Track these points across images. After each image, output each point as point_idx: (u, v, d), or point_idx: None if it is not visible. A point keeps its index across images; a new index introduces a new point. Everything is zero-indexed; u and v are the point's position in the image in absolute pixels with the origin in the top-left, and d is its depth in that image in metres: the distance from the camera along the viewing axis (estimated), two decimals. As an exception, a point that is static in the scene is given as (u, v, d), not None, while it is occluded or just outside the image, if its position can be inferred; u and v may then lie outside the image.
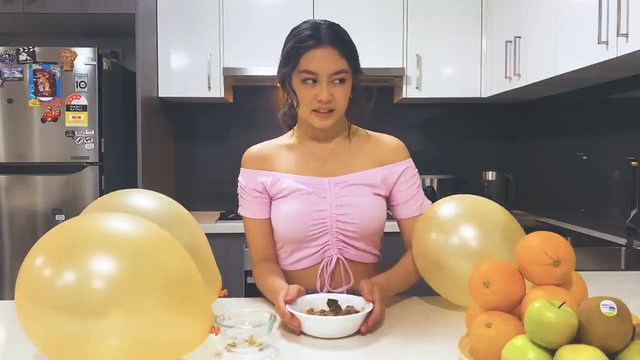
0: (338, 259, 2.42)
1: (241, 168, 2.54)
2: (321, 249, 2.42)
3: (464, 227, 2.18)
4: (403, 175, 2.51)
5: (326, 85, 2.30)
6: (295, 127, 2.57)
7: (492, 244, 2.14)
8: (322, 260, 2.43)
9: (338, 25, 2.40)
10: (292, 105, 2.49)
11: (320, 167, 2.47)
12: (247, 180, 2.50)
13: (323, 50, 2.30)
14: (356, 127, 2.59)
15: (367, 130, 2.60)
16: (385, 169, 2.49)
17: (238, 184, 2.55)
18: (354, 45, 2.41)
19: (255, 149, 2.55)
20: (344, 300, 2.08)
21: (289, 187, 2.42)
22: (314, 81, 2.31)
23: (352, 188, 2.43)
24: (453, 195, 2.41)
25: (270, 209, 2.49)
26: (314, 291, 2.38)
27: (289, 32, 2.44)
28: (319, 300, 2.09)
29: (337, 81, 2.32)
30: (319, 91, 2.30)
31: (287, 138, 2.57)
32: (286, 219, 2.42)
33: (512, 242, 2.06)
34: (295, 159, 2.49)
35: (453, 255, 2.16)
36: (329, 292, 2.36)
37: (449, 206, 2.30)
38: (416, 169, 2.56)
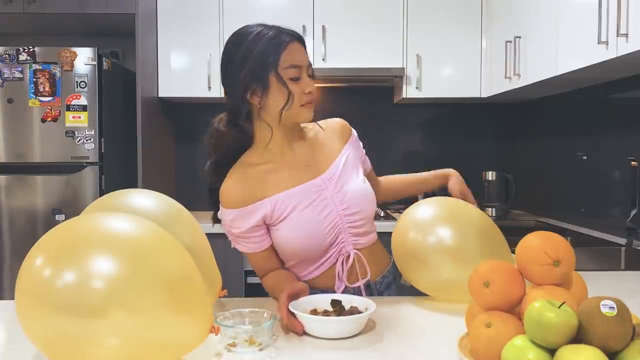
0: (355, 255, 2.42)
1: (225, 210, 2.36)
2: (337, 248, 2.41)
3: (440, 226, 2.32)
4: (358, 141, 2.64)
5: (307, 78, 2.32)
6: (252, 151, 2.43)
7: (466, 240, 2.27)
8: (337, 260, 2.42)
9: None
10: (244, 117, 2.37)
11: (307, 171, 2.42)
12: (240, 221, 2.34)
13: (296, 44, 2.31)
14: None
15: (303, 125, 2.56)
16: (350, 144, 2.57)
17: (224, 225, 2.42)
18: None
19: (233, 186, 2.36)
20: (348, 300, 2.08)
21: (289, 205, 2.33)
22: (298, 76, 2.28)
23: (342, 175, 2.44)
24: (429, 198, 2.53)
25: (269, 236, 2.40)
26: (324, 291, 2.38)
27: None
28: (323, 300, 2.09)
29: (310, 75, 2.34)
30: (305, 84, 2.29)
31: (254, 160, 2.40)
32: (300, 237, 2.34)
33: (487, 238, 2.32)
34: (279, 175, 2.38)
35: (431, 252, 2.28)
36: (345, 288, 2.40)
37: (426, 207, 2.45)
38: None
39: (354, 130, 2.63)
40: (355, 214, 2.40)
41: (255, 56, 2.25)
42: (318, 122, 2.57)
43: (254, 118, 2.37)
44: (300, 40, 2.34)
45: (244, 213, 2.33)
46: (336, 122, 2.61)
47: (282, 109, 2.27)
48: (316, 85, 2.36)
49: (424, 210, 2.42)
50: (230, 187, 2.36)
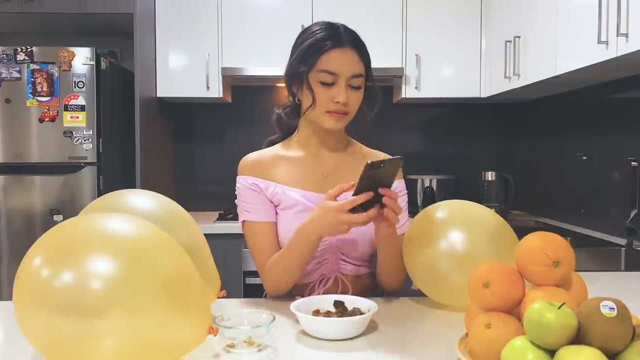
0: (336, 277, 2.43)
1: (239, 176, 2.47)
2: (319, 266, 2.42)
3: (452, 232, 2.22)
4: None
5: (344, 87, 2.30)
6: (293, 137, 2.54)
7: (479, 246, 2.18)
8: (318, 279, 2.44)
9: (352, 29, 2.40)
10: (294, 108, 2.49)
11: (322, 181, 2.43)
12: (250, 184, 2.42)
13: (344, 52, 2.31)
14: (352, 140, 2.61)
15: (362, 145, 2.62)
16: None
17: (237, 192, 2.47)
18: (367, 50, 2.40)
19: (252, 157, 2.48)
20: (351, 301, 2.07)
21: (288, 200, 2.38)
22: (332, 83, 2.30)
23: None
24: (443, 201, 2.42)
25: (273, 213, 2.43)
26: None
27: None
28: (325, 301, 2.09)
29: (353, 86, 2.33)
30: (337, 92, 2.30)
31: (285, 149, 2.52)
32: (284, 235, 2.38)
33: (500, 243, 2.20)
34: (296, 172, 2.45)
35: (442, 258, 2.20)
36: None
37: (440, 211, 2.33)
38: (406, 190, 2.58)
39: (401, 183, 2.54)
40: (348, 243, 2.40)
41: (298, 53, 2.36)
42: (377, 151, 2.60)
43: (300, 110, 2.46)
44: (355, 47, 2.34)
45: (248, 180, 2.42)
46: None
47: (306, 110, 2.37)
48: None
49: (436, 213, 2.33)
50: (248, 156, 2.50)
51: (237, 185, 2.47)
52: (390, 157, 2.12)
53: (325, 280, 2.42)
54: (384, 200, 2.07)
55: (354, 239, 2.38)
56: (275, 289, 2.39)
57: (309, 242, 2.22)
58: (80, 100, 4.79)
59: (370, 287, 2.53)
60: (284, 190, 2.39)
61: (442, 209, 2.34)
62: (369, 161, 1.97)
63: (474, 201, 2.40)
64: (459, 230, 2.21)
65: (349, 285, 2.42)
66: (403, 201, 2.48)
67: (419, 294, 2.37)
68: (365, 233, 2.35)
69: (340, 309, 2.01)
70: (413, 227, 2.35)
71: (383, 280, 2.48)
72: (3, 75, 4.76)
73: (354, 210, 2.05)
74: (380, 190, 2.05)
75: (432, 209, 2.36)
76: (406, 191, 2.56)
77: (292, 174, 2.44)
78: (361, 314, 1.97)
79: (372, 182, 2.02)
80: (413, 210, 2.44)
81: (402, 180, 2.55)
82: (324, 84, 2.30)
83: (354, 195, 2.04)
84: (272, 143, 2.59)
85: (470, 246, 2.17)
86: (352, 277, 2.45)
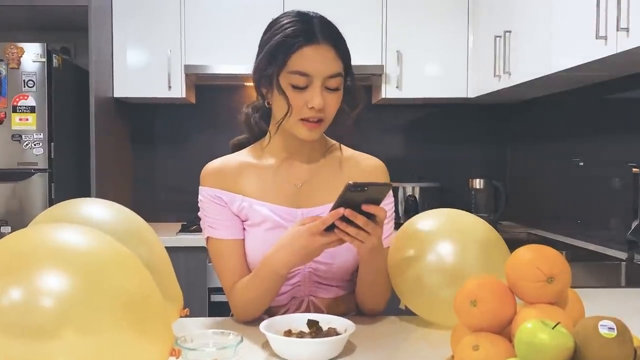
0: (309, 302, 2.38)
1: (201, 187, 2.39)
2: (290, 289, 2.37)
3: (441, 243, 2.21)
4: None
5: (319, 90, 2.18)
6: (263, 143, 2.43)
7: (469, 259, 2.17)
8: (288, 302, 2.39)
9: (328, 20, 2.28)
10: (264, 112, 2.40)
11: (294, 194, 2.36)
12: (213, 197, 2.34)
13: (318, 49, 2.18)
14: (330, 140, 2.50)
15: (342, 146, 2.50)
16: None
17: (200, 204, 2.40)
18: (346, 44, 2.28)
19: (215, 165, 2.40)
20: (326, 321, 2.05)
21: (256, 215, 2.31)
22: (305, 86, 2.17)
23: None
24: (431, 210, 2.42)
25: (240, 229, 2.37)
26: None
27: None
28: (298, 320, 2.07)
29: (330, 88, 2.20)
30: (311, 96, 2.17)
31: (254, 156, 2.43)
32: (252, 254, 2.33)
33: (491, 256, 2.19)
34: (266, 183, 2.36)
35: (430, 272, 2.19)
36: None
37: (427, 221, 2.33)
38: (392, 197, 2.49)
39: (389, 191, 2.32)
40: (321, 263, 2.32)
41: (266, 51, 2.22)
42: (360, 153, 2.55)
43: (271, 114, 2.38)
44: (332, 43, 2.21)
45: (212, 192, 2.35)
46: (374, 166, 2.53)
47: (282, 119, 2.23)
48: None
49: (422, 223, 2.32)
50: (210, 164, 2.41)
51: (200, 197, 2.40)
52: (378, 182, 2.07)
53: (298, 303, 2.38)
54: (360, 223, 1.99)
55: (329, 259, 2.31)
56: (242, 316, 2.35)
57: (278, 275, 2.19)
58: (30, 101, 4.76)
59: (350, 311, 2.47)
60: (252, 204, 2.32)
61: (429, 218, 2.34)
62: (350, 182, 1.91)
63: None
64: (447, 241, 2.21)
65: (324, 310, 2.37)
66: (389, 210, 2.43)
67: (406, 313, 2.37)
68: (341, 252, 2.27)
69: (314, 329, 2.00)
70: (399, 237, 2.34)
71: (363, 301, 2.42)
72: (-56, 73, 4.74)
73: (327, 230, 2.02)
74: (365, 207, 1.97)
75: (418, 218, 2.36)
76: (392, 199, 2.50)
77: (261, 185, 2.36)
78: (337, 334, 1.96)
79: (352, 204, 1.97)
80: (394, 221, 2.43)
81: (390, 186, 2.48)
82: (296, 87, 2.17)
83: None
84: (238, 146, 2.51)
85: (460, 258, 2.17)
86: (328, 301, 2.40)
